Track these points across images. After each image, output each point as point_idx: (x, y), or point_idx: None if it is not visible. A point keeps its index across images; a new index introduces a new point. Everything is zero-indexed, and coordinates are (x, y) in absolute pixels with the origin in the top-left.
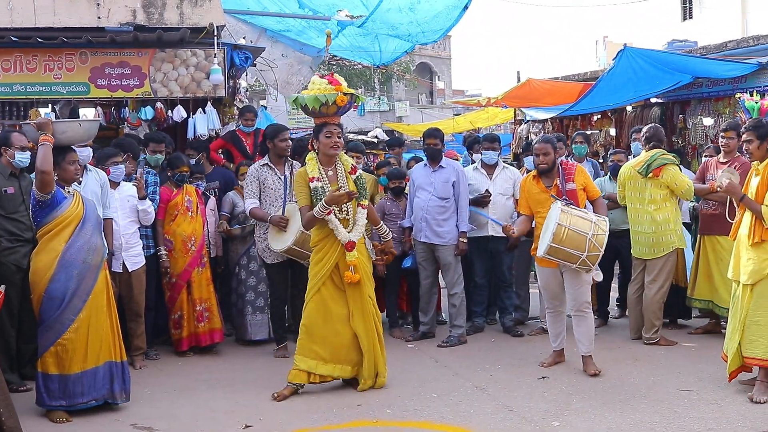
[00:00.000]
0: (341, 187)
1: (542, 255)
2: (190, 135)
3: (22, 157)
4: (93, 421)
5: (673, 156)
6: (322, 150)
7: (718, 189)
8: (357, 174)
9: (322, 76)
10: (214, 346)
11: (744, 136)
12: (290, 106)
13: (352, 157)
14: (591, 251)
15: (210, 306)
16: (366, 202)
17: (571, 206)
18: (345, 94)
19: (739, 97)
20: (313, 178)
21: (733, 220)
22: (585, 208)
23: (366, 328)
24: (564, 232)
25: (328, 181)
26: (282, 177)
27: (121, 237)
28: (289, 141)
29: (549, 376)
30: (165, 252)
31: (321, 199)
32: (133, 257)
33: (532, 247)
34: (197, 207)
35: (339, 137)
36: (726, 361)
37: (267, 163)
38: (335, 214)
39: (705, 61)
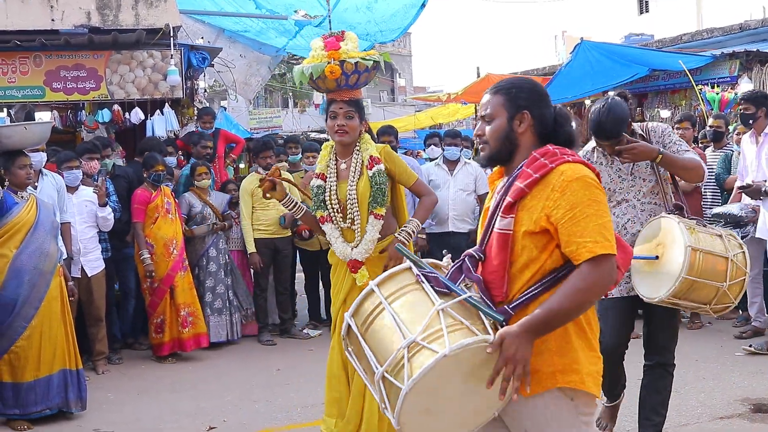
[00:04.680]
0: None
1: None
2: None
3: None
4: (54, 428)
5: None
6: (330, 135)
7: None
8: (374, 170)
9: (328, 36)
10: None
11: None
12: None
13: (308, 157)
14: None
15: (194, 310)
16: (382, 211)
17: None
18: (343, 62)
19: (701, 90)
20: (317, 174)
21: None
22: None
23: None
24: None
25: (335, 178)
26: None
27: (79, 242)
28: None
29: None
30: (148, 255)
31: (320, 201)
32: (92, 262)
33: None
34: (175, 209)
35: (349, 117)
36: None
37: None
38: (336, 222)
39: (661, 53)
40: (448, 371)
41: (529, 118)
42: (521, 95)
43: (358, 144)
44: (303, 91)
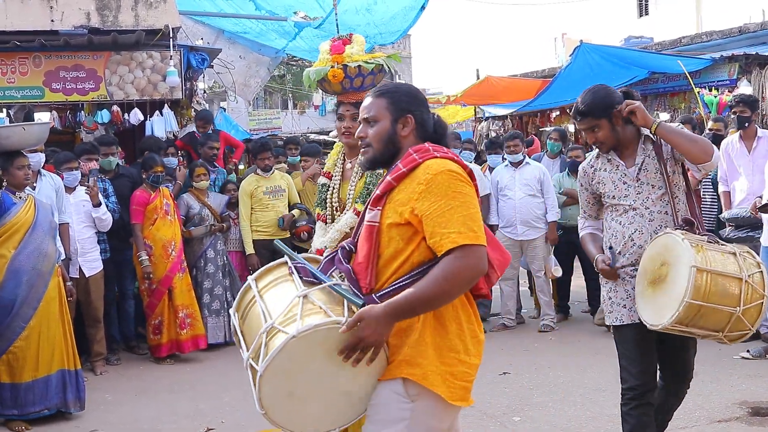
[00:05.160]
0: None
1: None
2: None
3: None
4: (52, 428)
5: None
6: (338, 137)
7: None
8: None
9: (336, 40)
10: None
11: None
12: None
13: (302, 160)
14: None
15: (192, 312)
16: (361, 208)
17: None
18: (346, 66)
19: (698, 92)
20: (324, 172)
21: None
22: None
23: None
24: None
25: (340, 178)
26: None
27: (77, 242)
28: None
29: (510, 372)
30: (146, 257)
31: (321, 199)
32: (90, 262)
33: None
34: (174, 210)
35: (356, 119)
36: None
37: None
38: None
39: (660, 56)
40: (302, 353)
41: (412, 121)
42: (404, 99)
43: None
44: (302, 92)
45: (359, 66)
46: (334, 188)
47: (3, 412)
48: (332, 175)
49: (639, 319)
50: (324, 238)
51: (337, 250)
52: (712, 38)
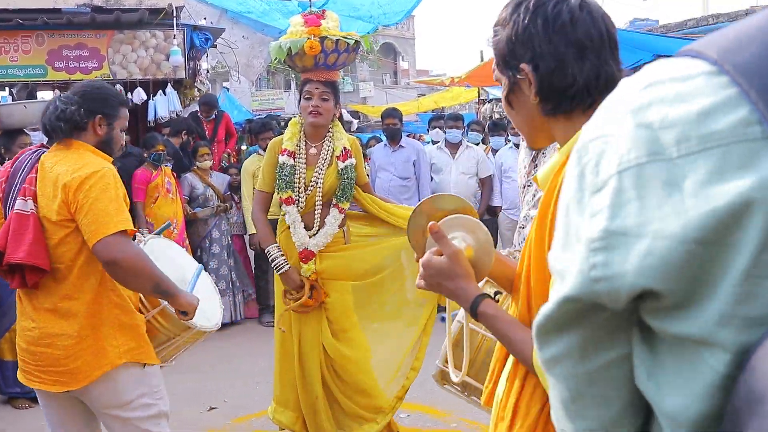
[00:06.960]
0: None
1: None
2: (150, 117)
3: None
4: None
5: None
6: (303, 117)
7: None
8: (346, 163)
9: (308, 14)
10: None
11: None
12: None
13: None
14: None
15: None
16: (347, 205)
17: None
18: (324, 38)
19: None
20: (286, 150)
21: None
22: None
23: (311, 381)
24: None
25: (304, 161)
26: None
27: None
28: None
29: None
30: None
31: (286, 180)
32: None
33: None
34: (176, 189)
35: (324, 99)
36: None
37: None
38: (299, 206)
39: (666, 39)
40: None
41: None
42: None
43: (330, 130)
44: None
45: (337, 40)
46: (300, 171)
47: (6, 390)
48: (296, 156)
49: None
50: (311, 240)
51: None
52: (719, 21)
